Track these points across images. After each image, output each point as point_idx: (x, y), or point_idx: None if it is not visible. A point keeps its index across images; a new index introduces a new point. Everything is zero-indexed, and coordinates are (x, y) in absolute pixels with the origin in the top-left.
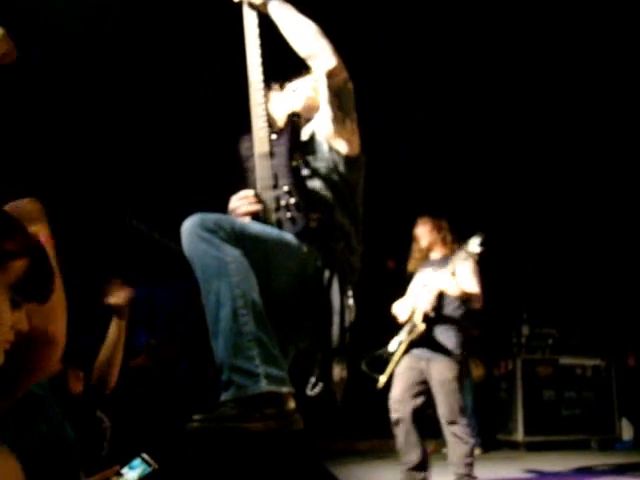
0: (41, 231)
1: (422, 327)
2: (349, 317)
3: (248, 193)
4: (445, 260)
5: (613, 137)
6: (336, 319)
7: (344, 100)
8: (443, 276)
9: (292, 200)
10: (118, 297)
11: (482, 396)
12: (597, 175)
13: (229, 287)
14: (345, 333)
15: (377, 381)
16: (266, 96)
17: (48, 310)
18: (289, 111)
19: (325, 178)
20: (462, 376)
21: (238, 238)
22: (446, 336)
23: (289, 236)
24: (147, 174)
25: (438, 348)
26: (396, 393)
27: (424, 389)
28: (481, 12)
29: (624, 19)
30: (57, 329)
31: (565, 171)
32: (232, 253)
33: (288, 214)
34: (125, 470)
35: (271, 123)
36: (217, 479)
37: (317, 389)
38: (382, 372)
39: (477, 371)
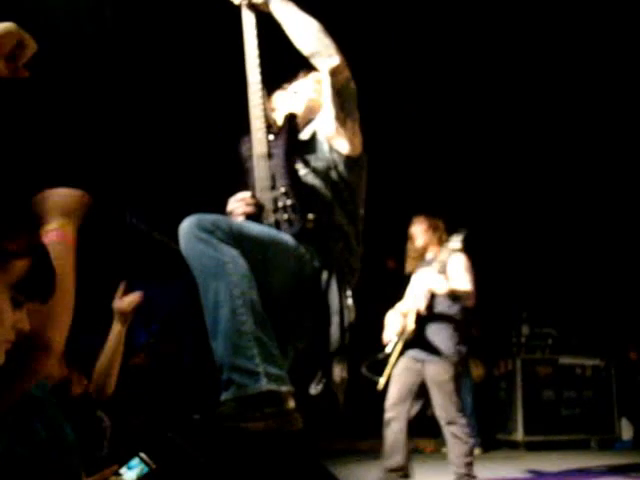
0: (65, 227)
1: (412, 327)
2: (348, 317)
3: (246, 194)
4: (439, 260)
5: (613, 137)
6: (335, 319)
7: (346, 99)
8: (430, 275)
9: (289, 202)
10: (123, 302)
11: (482, 396)
12: (597, 175)
13: (227, 287)
14: (345, 333)
15: (377, 383)
16: (264, 97)
17: (50, 315)
18: (293, 111)
19: (325, 178)
20: (459, 376)
21: (236, 238)
22: (441, 337)
23: (287, 237)
24: (147, 173)
25: (433, 349)
26: (392, 394)
27: (421, 390)
28: (477, 10)
29: (624, 19)
30: (56, 336)
31: (565, 171)
32: (230, 253)
33: (285, 215)
34: (123, 470)
35: (270, 124)
36: (217, 478)
37: (319, 388)
38: (381, 374)
39: (477, 371)
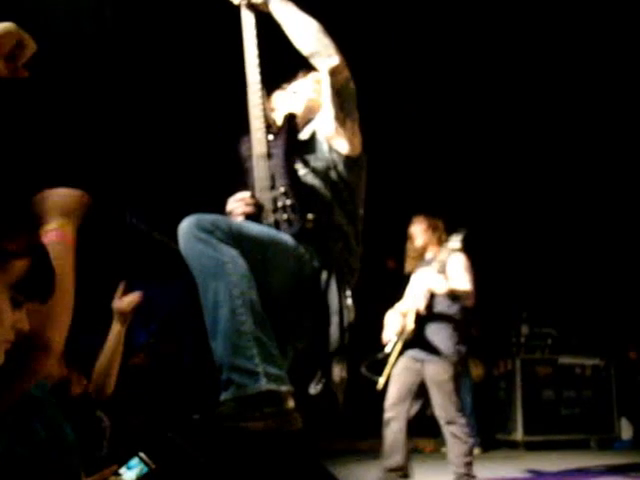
0: (64, 227)
1: (411, 327)
2: (348, 317)
3: (245, 194)
4: (437, 260)
5: (612, 136)
6: (334, 319)
7: (346, 99)
8: (430, 275)
9: (288, 202)
10: (123, 302)
11: (481, 396)
12: (596, 175)
13: (227, 287)
14: (344, 333)
15: (376, 383)
16: (264, 97)
17: (49, 315)
18: (293, 111)
19: (324, 178)
20: (459, 376)
21: (235, 238)
22: (440, 337)
23: (286, 237)
24: (148, 173)
25: (432, 349)
26: (392, 394)
27: (421, 389)
28: (477, 10)
29: (624, 19)
30: (55, 336)
31: (564, 171)
32: (229, 253)
33: (285, 215)
34: (123, 470)
35: (269, 124)
36: (217, 478)
37: (318, 388)
38: (380, 374)
39: (476, 371)
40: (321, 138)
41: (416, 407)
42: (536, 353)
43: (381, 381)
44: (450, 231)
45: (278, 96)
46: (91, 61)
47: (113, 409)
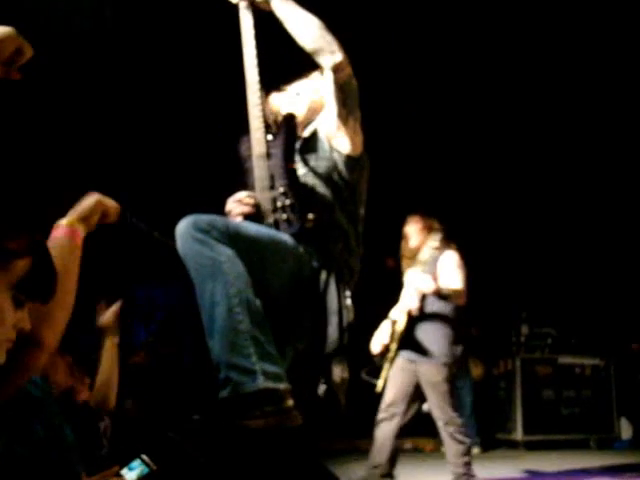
0: (74, 226)
1: (402, 326)
2: (347, 317)
3: (243, 194)
4: (432, 261)
5: (611, 136)
6: (333, 319)
7: (348, 95)
8: (415, 275)
9: (288, 201)
10: (105, 317)
11: (481, 395)
12: (595, 175)
13: (224, 286)
14: (343, 334)
15: (375, 386)
16: (263, 97)
17: (46, 312)
18: (298, 115)
19: (325, 177)
20: (454, 377)
21: (232, 238)
22: (434, 337)
23: (285, 237)
24: (148, 173)
25: (425, 350)
26: (388, 396)
27: (418, 390)
28: (476, 10)
29: (624, 19)
30: (49, 334)
31: (564, 171)
32: (226, 253)
33: (284, 215)
34: (124, 471)
35: (269, 124)
36: (217, 477)
37: (323, 389)
38: (378, 377)
39: (476, 370)
40: (322, 137)
41: (415, 407)
42: (536, 353)
43: (379, 384)
44: (447, 231)
45: (278, 97)
46: (91, 62)
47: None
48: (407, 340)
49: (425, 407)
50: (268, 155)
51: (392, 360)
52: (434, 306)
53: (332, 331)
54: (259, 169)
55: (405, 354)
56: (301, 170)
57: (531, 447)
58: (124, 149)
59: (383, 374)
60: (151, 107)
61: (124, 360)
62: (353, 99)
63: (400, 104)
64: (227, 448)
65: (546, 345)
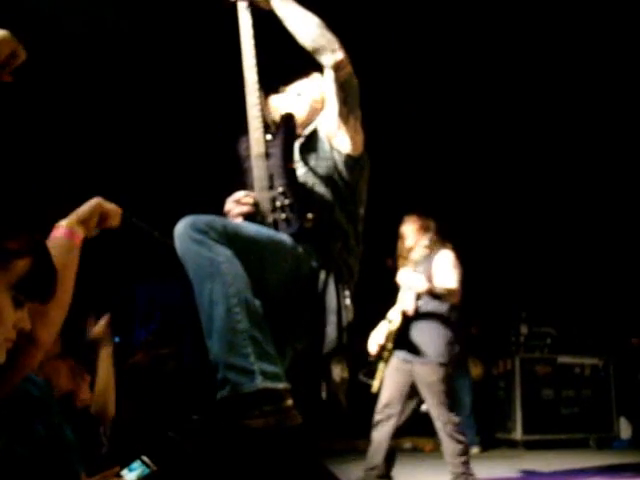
0: (74, 227)
1: (395, 325)
2: (346, 317)
3: (241, 194)
4: (427, 261)
5: (611, 136)
6: (332, 319)
7: (349, 94)
8: (407, 274)
9: (287, 201)
10: (96, 329)
11: (481, 395)
12: (595, 174)
13: (222, 286)
14: (342, 333)
15: (371, 386)
16: (261, 97)
17: (41, 312)
18: (299, 116)
19: (324, 176)
20: (450, 377)
21: (231, 239)
22: (429, 337)
23: (284, 237)
24: (148, 173)
25: (420, 350)
26: (383, 397)
27: (414, 390)
28: (476, 11)
29: (624, 19)
30: (45, 334)
31: (563, 170)
32: (224, 253)
33: (283, 215)
34: (125, 472)
35: (268, 123)
36: (217, 477)
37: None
38: (374, 377)
39: (476, 370)
40: (323, 137)
41: (411, 407)
42: (535, 352)
43: (375, 384)
44: (444, 231)
45: (279, 99)
46: (91, 62)
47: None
48: (403, 340)
49: (424, 407)
50: (267, 155)
51: (387, 360)
52: (429, 305)
53: (331, 331)
54: (258, 169)
55: (401, 354)
56: (301, 169)
57: (530, 447)
58: (124, 149)
59: (378, 375)
60: (151, 107)
61: (124, 360)
62: (354, 98)
63: (400, 104)
64: (227, 448)
65: (545, 345)
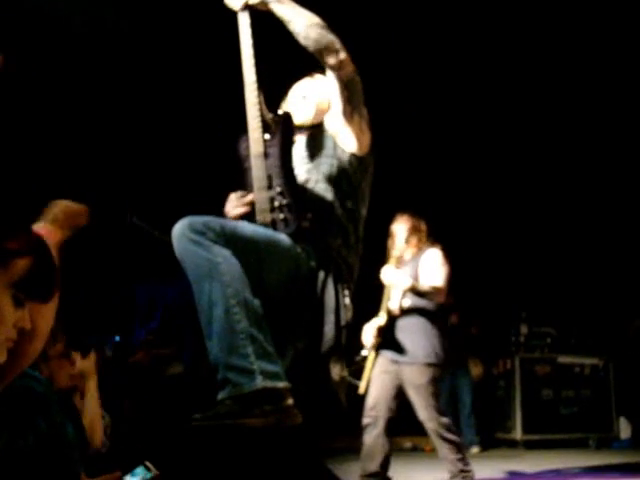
0: (48, 227)
1: (382, 324)
2: (345, 316)
3: (240, 195)
4: (414, 260)
5: (610, 136)
6: (331, 318)
7: (353, 93)
8: (391, 272)
9: (284, 201)
10: (85, 365)
11: (481, 395)
12: (594, 174)
13: (221, 287)
14: (341, 332)
15: (358, 387)
16: (260, 96)
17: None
18: (306, 119)
19: (327, 173)
20: (436, 380)
21: (228, 239)
22: (416, 338)
23: (282, 236)
24: (148, 173)
25: (406, 351)
26: (370, 398)
27: (401, 392)
28: (476, 11)
29: (624, 19)
30: (42, 324)
31: (563, 170)
32: (222, 253)
33: (281, 215)
34: (127, 477)
35: (267, 123)
36: (218, 477)
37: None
38: (361, 377)
39: (476, 370)
40: (329, 135)
41: (397, 403)
42: (535, 352)
43: (362, 385)
44: (433, 232)
45: (286, 104)
46: (90, 62)
47: (113, 406)
48: (389, 340)
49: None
50: (266, 155)
51: (374, 360)
52: (415, 304)
53: (329, 330)
54: (257, 169)
55: (388, 354)
56: (305, 166)
57: (530, 446)
58: (124, 149)
59: (365, 375)
60: (151, 108)
61: (124, 360)
62: (358, 96)
63: (400, 104)
64: (227, 448)
65: (545, 345)
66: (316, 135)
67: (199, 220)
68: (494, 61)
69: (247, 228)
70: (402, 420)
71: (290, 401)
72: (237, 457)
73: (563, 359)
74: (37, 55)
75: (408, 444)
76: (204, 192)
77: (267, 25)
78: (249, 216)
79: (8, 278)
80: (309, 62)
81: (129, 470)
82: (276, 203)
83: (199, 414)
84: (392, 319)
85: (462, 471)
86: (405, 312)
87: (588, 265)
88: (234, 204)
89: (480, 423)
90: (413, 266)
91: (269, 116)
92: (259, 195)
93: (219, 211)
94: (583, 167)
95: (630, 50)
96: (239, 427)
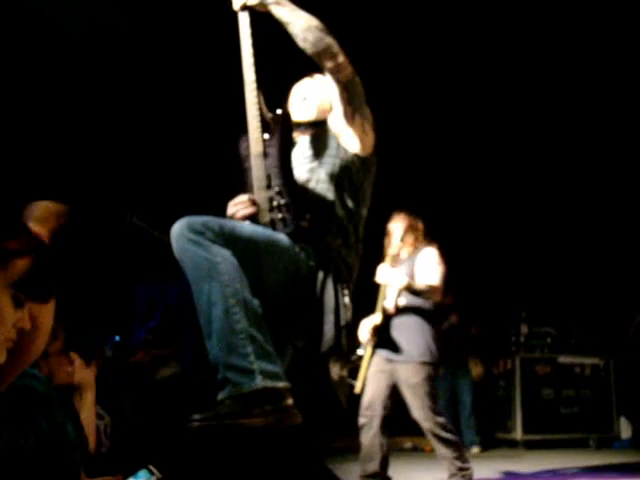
0: (34, 228)
1: (377, 322)
2: (345, 316)
3: (243, 197)
4: (411, 259)
5: (610, 136)
6: (330, 318)
7: (353, 94)
8: (385, 271)
9: (283, 201)
10: (84, 374)
11: (481, 395)
12: (594, 174)
13: (220, 287)
14: (340, 332)
15: (354, 386)
16: (260, 96)
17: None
18: (306, 118)
19: (329, 173)
20: (431, 379)
21: (227, 239)
22: (411, 336)
23: (282, 236)
24: (148, 173)
25: (402, 350)
26: (366, 398)
27: (396, 390)
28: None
29: (624, 19)
30: (42, 324)
31: (563, 170)
32: (221, 253)
33: (280, 215)
34: None
35: (267, 123)
36: (218, 477)
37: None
38: (356, 377)
39: (476, 370)
40: (332, 134)
41: (392, 400)
42: (535, 352)
43: (358, 385)
44: (430, 231)
45: (290, 104)
46: (90, 62)
47: (113, 406)
48: (385, 338)
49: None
50: (265, 154)
51: (369, 359)
52: (411, 303)
53: (328, 329)
54: (256, 168)
55: (383, 353)
56: (308, 165)
57: (530, 446)
58: (125, 149)
59: (361, 374)
60: (151, 108)
61: (124, 360)
62: (358, 97)
63: (399, 104)
64: (227, 448)
65: (546, 344)
66: (319, 135)
67: (198, 220)
68: (494, 61)
69: (246, 228)
70: (402, 420)
71: (290, 401)
72: (237, 457)
73: (563, 359)
74: (37, 55)
75: (408, 444)
76: (204, 192)
77: (267, 25)
78: (250, 216)
79: (8, 278)
80: (309, 62)
81: (129, 471)
82: (275, 203)
83: (199, 414)
84: (387, 318)
85: (461, 469)
86: (401, 311)
87: (588, 265)
88: (237, 207)
89: (480, 423)
90: (409, 265)
91: (268, 116)
92: (259, 195)
93: (219, 211)
94: (583, 167)
95: (630, 50)
96: (239, 427)
